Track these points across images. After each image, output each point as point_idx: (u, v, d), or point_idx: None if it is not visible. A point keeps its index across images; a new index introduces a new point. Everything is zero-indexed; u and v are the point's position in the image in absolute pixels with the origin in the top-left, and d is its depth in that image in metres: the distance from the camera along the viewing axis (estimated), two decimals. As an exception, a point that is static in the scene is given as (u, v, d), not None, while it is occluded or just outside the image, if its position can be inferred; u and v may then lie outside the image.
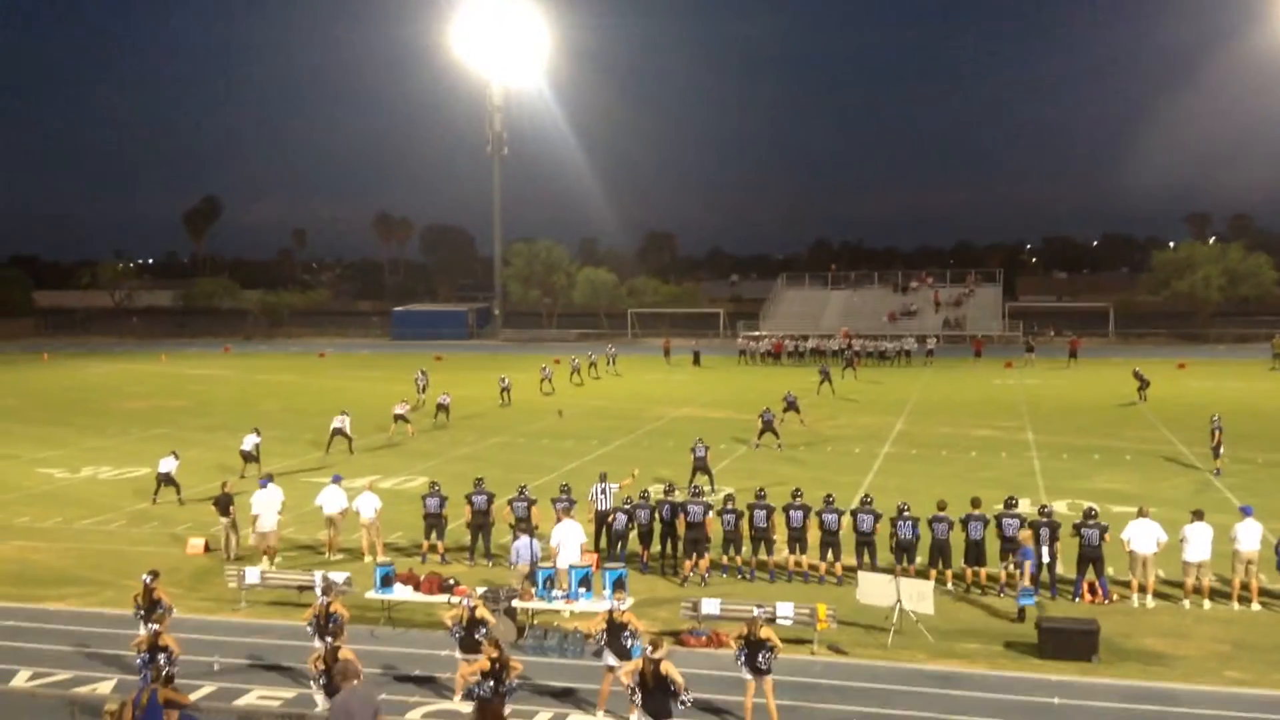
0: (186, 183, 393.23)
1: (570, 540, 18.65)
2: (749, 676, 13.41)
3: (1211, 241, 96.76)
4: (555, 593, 16.99)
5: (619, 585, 15.98)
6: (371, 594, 17.50)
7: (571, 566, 17.51)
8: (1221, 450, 29.09)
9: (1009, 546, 18.69)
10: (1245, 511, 18.43)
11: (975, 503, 19.35)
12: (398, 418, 36.47)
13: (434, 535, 21.09)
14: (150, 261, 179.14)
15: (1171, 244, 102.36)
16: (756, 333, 76.09)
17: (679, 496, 21.20)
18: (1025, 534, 18.42)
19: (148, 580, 15.17)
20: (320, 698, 12.60)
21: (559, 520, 19.04)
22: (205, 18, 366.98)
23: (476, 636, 13.84)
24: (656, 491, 21.46)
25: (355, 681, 10.91)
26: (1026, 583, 17.45)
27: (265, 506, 21.04)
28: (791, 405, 37.29)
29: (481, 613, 14.20)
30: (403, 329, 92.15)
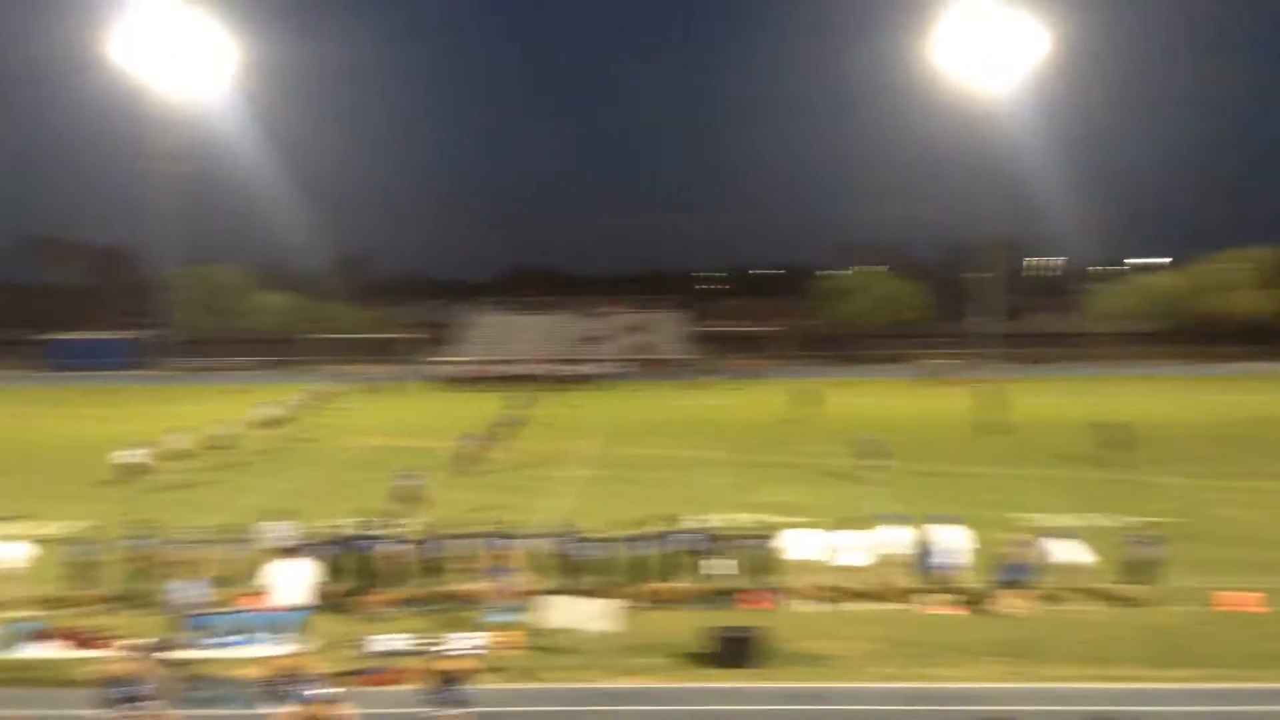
0: None
1: (285, 582, 17.85)
2: (439, 712, 13.30)
3: (869, 270, 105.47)
4: (231, 638, 16.17)
5: (295, 627, 15.44)
6: (8, 653, 15.97)
7: (242, 610, 16.76)
8: (879, 463, 31.73)
9: (690, 562, 19.65)
10: (895, 519, 20.26)
11: (662, 520, 20.19)
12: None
13: (87, 585, 19.51)
14: None
15: (835, 272, 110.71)
16: (453, 358, 75.63)
17: (369, 530, 20.79)
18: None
19: None
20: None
21: (273, 561, 18.25)
22: None
23: (131, 691, 12.94)
24: (345, 526, 20.90)
25: None
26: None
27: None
28: (489, 433, 37.24)
29: (136, 665, 13.30)
30: (61, 359, 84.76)
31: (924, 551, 19.19)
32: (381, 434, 44.14)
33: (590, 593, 18.64)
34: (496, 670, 16.24)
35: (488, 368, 68.33)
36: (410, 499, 26.67)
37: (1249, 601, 18.84)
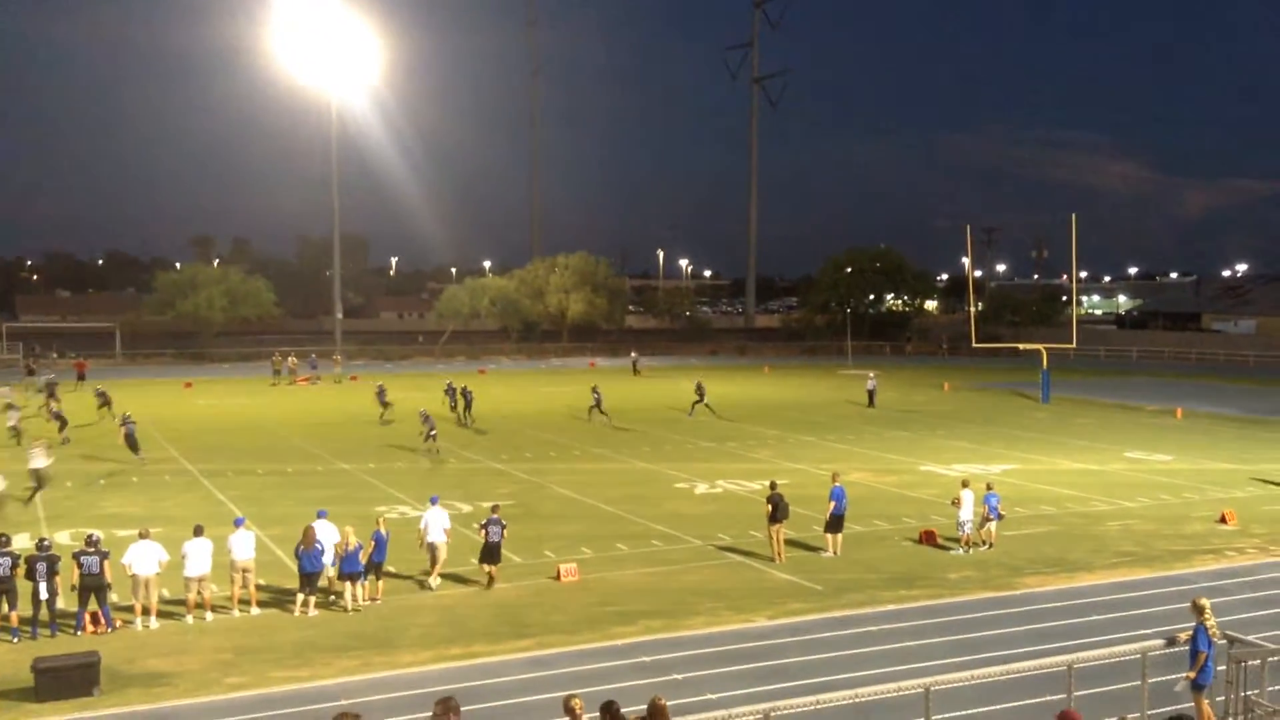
0: None
1: None
2: None
3: (215, 264, 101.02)
4: None
5: None
6: None
7: None
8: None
9: (1, 588, 17.19)
10: (238, 522, 19.44)
11: (-41, 545, 17.39)
12: None
13: None
14: None
15: (178, 265, 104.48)
16: None
17: None
18: None
19: None
20: None
21: None
22: None
23: None
24: None
25: None
26: None
27: None
28: None
29: None
30: None
31: (303, 552, 18.59)
32: None
33: None
34: None
35: None
36: None
37: (573, 571, 20.92)
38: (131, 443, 34.13)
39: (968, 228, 60.53)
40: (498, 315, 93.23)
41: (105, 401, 45.12)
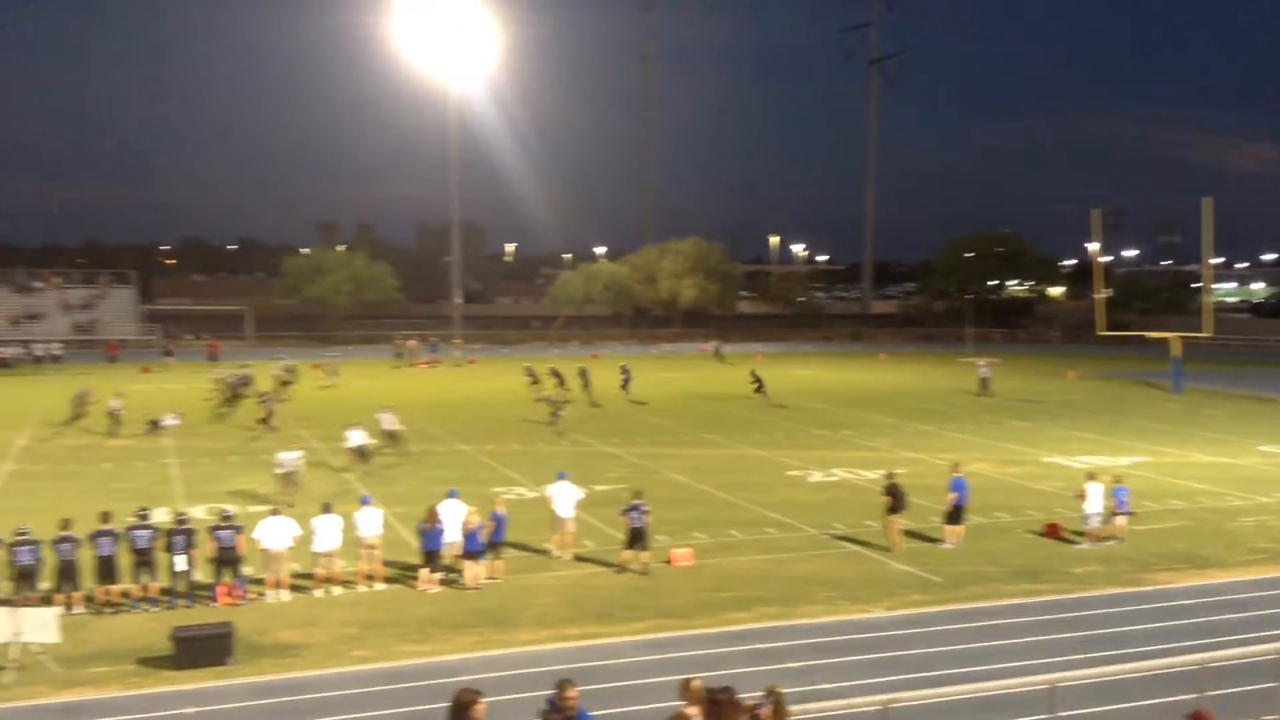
0: None
1: None
2: None
3: (340, 249, 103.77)
4: None
5: None
6: None
7: None
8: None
9: (142, 560, 18.05)
10: (364, 501, 20.03)
11: (104, 517, 18.34)
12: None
13: None
14: None
15: (304, 250, 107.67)
16: None
17: None
18: None
19: None
20: None
21: None
22: None
23: None
24: None
25: None
26: None
27: None
28: None
29: None
30: None
31: (425, 530, 19.09)
32: None
33: (23, 601, 16.43)
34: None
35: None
36: None
37: (687, 556, 20.99)
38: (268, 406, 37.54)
39: (1094, 211, 58.45)
40: (610, 301, 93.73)
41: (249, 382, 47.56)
